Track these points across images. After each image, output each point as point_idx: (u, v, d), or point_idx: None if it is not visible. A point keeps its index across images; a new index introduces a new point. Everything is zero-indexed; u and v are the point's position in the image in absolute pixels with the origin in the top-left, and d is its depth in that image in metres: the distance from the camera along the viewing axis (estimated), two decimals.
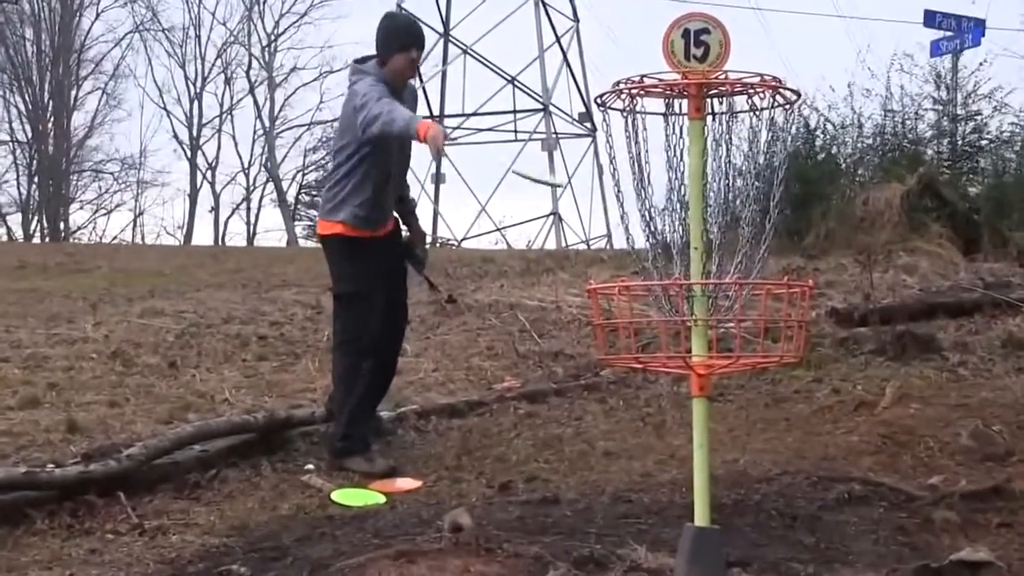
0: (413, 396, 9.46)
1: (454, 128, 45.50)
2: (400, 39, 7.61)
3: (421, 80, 44.22)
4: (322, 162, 58.14)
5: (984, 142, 19.44)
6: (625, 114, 5.12)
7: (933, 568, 5.18)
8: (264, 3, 55.62)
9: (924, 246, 14.95)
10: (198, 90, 55.38)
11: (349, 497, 6.96)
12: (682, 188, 5.02)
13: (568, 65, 45.99)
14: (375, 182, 7.54)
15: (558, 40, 45.18)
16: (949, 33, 20.59)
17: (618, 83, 5.22)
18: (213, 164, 56.30)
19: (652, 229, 5.08)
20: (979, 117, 19.38)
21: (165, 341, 11.71)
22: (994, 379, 8.45)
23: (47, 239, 47.99)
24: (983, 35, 20.74)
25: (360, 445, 7.62)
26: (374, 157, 7.49)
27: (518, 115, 44.49)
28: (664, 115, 5.10)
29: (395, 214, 7.90)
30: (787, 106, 5.03)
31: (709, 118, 5.02)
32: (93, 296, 14.87)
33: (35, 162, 52.33)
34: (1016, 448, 6.95)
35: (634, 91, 5.07)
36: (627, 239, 5.36)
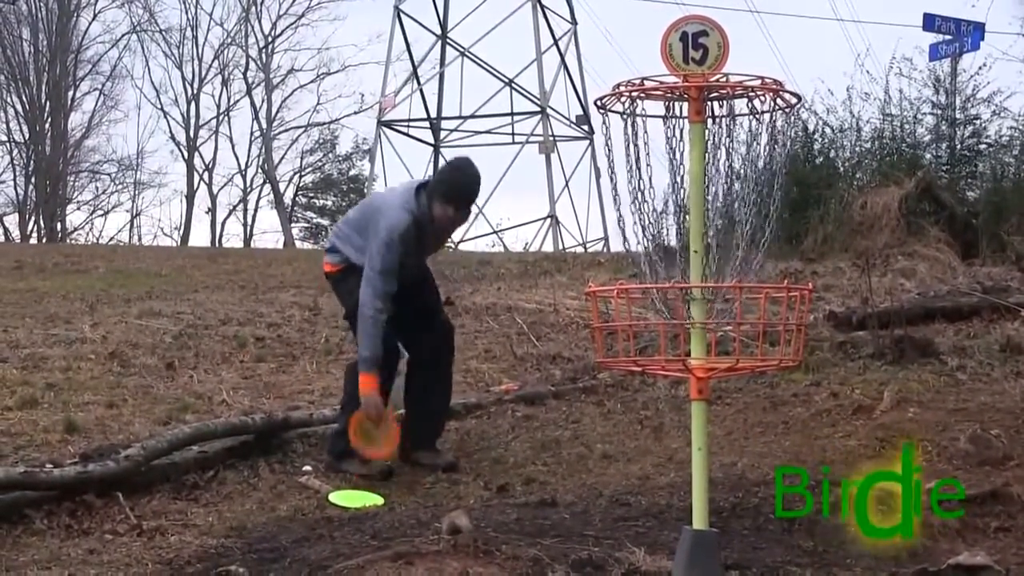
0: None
1: (451, 130, 45.51)
2: (448, 191, 7.62)
3: (419, 82, 44.28)
4: (319, 163, 58.22)
5: (983, 146, 19.43)
6: (625, 117, 5.12)
7: (931, 572, 5.18)
8: (261, 5, 55.62)
9: (922, 250, 14.94)
10: (195, 91, 55.36)
11: (347, 499, 6.97)
12: (682, 191, 5.02)
13: (566, 68, 45.98)
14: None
15: (556, 43, 45.15)
16: (948, 37, 20.60)
17: (618, 85, 5.22)
18: (210, 165, 56.29)
19: (651, 232, 5.08)
20: (978, 121, 19.37)
21: (163, 342, 11.70)
22: (992, 383, 8.44)
23: (44, 240, 47.96)
24: (982, 39, 20.75)
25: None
26: None
27: (515, 118, 44.43)
28: (664, 118, 5.10)
29: None
30: (787, 109, 5.03)
31: (708, 120, 5.03)
32: (91, 297, 14.86)
33: (32, 163, 52.28)
34: (1014, 452, 6.95)
35: (634, 94, 5.08)
36: (625, 242, 5.36)
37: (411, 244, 7.53)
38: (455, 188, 7.60)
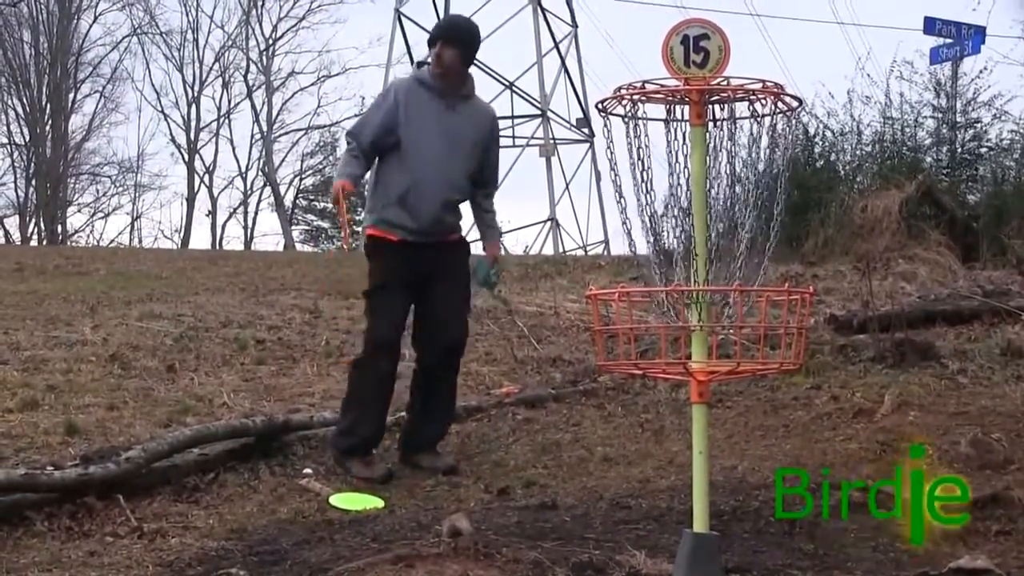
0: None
1: None
2: (433, 34, 7.77)
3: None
4: (319, 166, 58.22)
5: (983, 150, 19.44)
6: (626, 120, 5.12)
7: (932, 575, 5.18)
8: (262, 7, 55.68)
9: (923, 254, 14.95)
10: (196, 94, 55.44)
11: (347, 501, 6.96)
12: (683, 194, 5.02)
13: (566, 71, 46.01)
14: (399, 186, 7.57)
15: (556, 46, 45.21)
16: (949, 40, 20.60)
17: (619, 89, 5.22)
18: (211, 168, 56.35)
19: (653, 235, 5.08)
20: (979, 125, 19.38)
21: (163, 344, 11.71)
22: (993, 387, 8.44)
23: (45, 242, 47.97)
24: (983, 42, 20.75)
25: (360, 447, 7.62)
26: (392, 162, 7.59)
27: (516, 121, 44.45)
28: (665, 121, 5.10)
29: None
30: (788, 113, 5.03)
31: (710, 124, 5.03)
32: (91, 299, 14.86)
33: (33, 165, 52.31)
34: (1015, 456, 6.95)
35: (635, 97, 5.08)
36: (631, 244, 5.36)
37: (412, 100, 7.55)
38: (445, 26, 7.87)
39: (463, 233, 7.92)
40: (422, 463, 7.70)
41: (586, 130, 44.67)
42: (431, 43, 7.61)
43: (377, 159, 7.66)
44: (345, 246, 7.77)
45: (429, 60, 7.66)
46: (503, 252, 7.79)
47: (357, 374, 7.77)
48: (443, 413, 7.94)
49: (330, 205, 58.74)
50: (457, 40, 7.59)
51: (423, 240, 7.59)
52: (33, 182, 52.17)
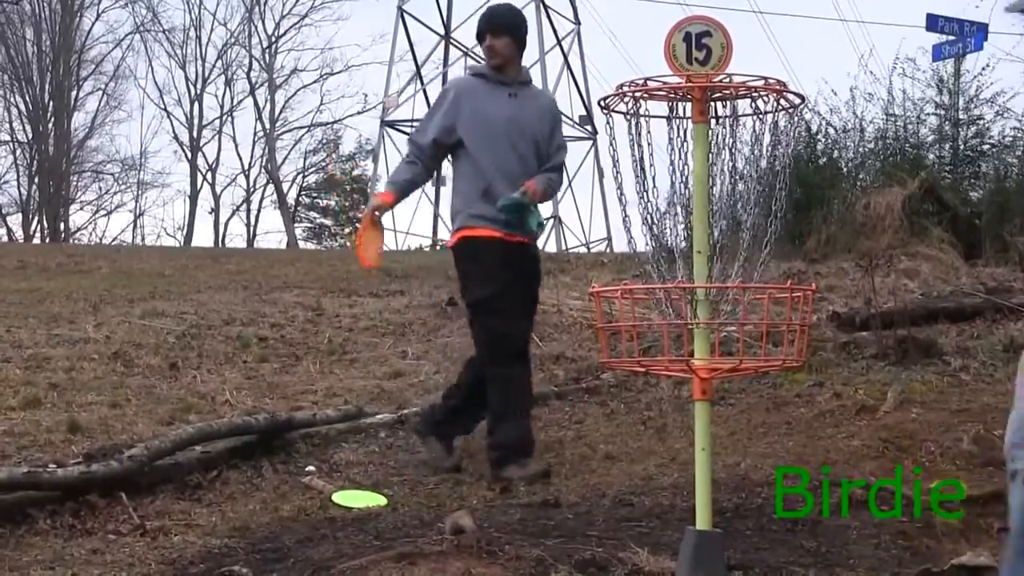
0: (414, 399, 9.47)
1: None
2: (478, 28, 7.74)
3: (422, 82, 44.21)
4: (322, 164, 58.25)
5: (986, 147, 19.40)
6: (628, 117, 5.12)
7: (934, 572, 5.18)
8: (265, 5, 55.69)
9: (925, 251, 14.94)
10: (198, 91, 55.48)
11: (350, 499, 6.96)
12: (685, 191, 5.02)
13: (569, 68, 46.02)
14: (479, 181, 7.49)
15: (559, 43, 45.23)
16: (951, 37, 20.57)
17: (621, 86, 5.22)
18: (213, 165, 56.42)
19: (655, 232, 5.09)
20: (981, 122, 19.35)
21: (166, 342, 11.71)
22: (996, 384, 8.44)
23: (47, 240, 48.00)
24: (986, 39, 20.72)
25: (514, 454, 7.42)
26: (464, 161, 7.56)
27: None
28: (668, 118, 5.10)
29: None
30: (791, 110, 5.03)
31: (712, 121, 5.03)
32: (94, 297, 14.85)
33: (35, 163, 52.36)
34: None
35: (637, 94, 5.08)
36: (631, 241, 5.35)
37: (474, 95, 7.53)
38: (488, 18, 7.69)
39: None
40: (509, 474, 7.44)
41: (589, 127, 44.67)
42: (480, 38, 7.63)
43: (452, 168, 7.65)
44: (363, 262, 7.58)
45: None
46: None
47: (499, 388, 7.52)
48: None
49: (332, 202, 58.93)
50: (503, 28, 7.59)
51: (512, 233, 7.44)
52: (36, 180, 52.22)
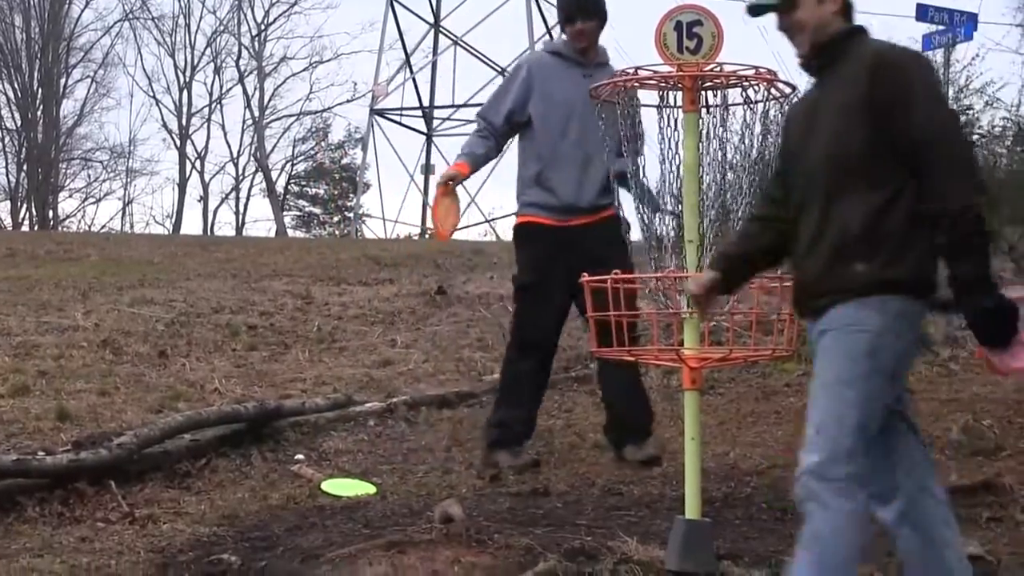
0: (403, 387, 9.47)
1: (444, 119, 45.49)
2: (560, 14, 7.51)
3: (411, 70, 44.17)
4: (311, 152, 58.14)
5: (975, 137, 19.40)
6: (619, 106, 5.12)
7: None
8: None
9: None
10: (187, 79, 55.19)
11: (339, 487, 6.96)
12: (676, 181, 5.02)
13: None
14: (538, 162, 7.28)
15: (549, 32, 45.06)
16: (941, 27, 20.58)
17: (613, 75, 5.22)
18: (202, 153, 56.13)
19: (645, 222, 5.09)
20: (971, 112, 19.31)
21: (155, 330, 11.69)
22: (984, 374, 8.44)
23: (36, 227, 47.87)
24: (975, 29, 20.74)
25: (509, 437, 7.34)
26: (527, 140, 7.39)
27: None
28: (658, 107, 5.10)
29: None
30: (781, 99, 5.03)
31: (702, 110, 5.03)
32: (83, 285, 14.82)
33: (24, 150, 52.13)
34: (1006, 443, 6.97)
35: (629, 83, 5.08)
36: (622, 231, 5.35)
37: (547, 73, 7.30)
38: (580, 2, 7.31)
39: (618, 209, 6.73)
40: (625, 455, 7.30)
41: None
42: (569, 20, 7.26)
43: (518, 147, 7.45)
44: (440, 233, 7.34)
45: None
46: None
47: (506, 369, 7.46)
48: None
49: (321, 190, 58.87)
50: (595, 12, 7.28)
51: (568, 220, 7.19)
52: (24, 167, 52.01)
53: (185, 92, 55.20)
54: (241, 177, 56.83)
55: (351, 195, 53.23)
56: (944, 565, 4.18)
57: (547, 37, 44.15)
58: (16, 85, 52.29)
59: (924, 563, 4.21)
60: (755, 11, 4.30)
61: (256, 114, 54.93)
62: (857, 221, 4.01)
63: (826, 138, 4.07)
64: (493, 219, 43.14)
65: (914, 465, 4.21)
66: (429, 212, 7.82)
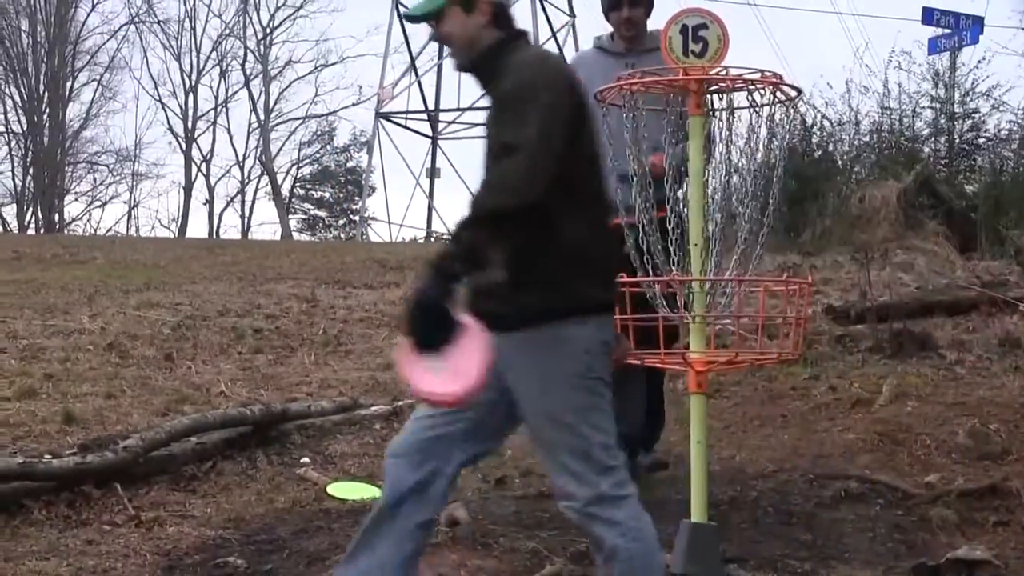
0: (408, 390, 9.44)
1: (449, 122, 45.44)
2: (605, 1, 6.91)
3: (417, 74, 44.15)
4: (316, 155, 58.17)
5: (981, 140, 19.43)
6: (624, 110, 5.12)
7: (930, 566, 5.19)
8: None
9: (921, 244, 14.94)
10: (193, 83, 55.24)
11: (345, 491, 6.96)
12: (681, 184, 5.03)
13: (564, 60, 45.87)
14: None
15: (554, 35, 45.10)
16: (947, 30, 20.58)
17: (618, 78, 5.22)
18: (208, 157, 56.16)
19: (651, 225, 5.08)
20: (977, 115, 19.38)
21: (161, 333, 11.69)
22: (991, 378, 8.44)
23: (42, 230, 47.89)
24: (981, 32, 20.73)
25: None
26: None
27: None
28: (664, 111, 5.11)
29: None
30: (787, 103, 5.03)
31: (708, 113, 5.03)
32: (89, 288, 14.82)
33: (30, 153, 52.17)
34: (1013, 447, 6.96)
35: (634, 87, 5.08)
36: (626, 235, 5.33)
37: (592, 71, 6.48)
38: None
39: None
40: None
41: None
42: (615, 7, 6.76)
43: None
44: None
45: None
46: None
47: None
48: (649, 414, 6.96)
49: (327, 194, 58.82)
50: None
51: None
52: (30, 170, 52.05)
53: (191, 95, 55.27)
54: (247, 180, 56.90)
55: (356, 198, 53.24)
56: None
57: (552, 41, 44.20)
58: (22, 89, 52.35)
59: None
60: (409, 19, 4.16)
61: (262, 117, 54.98)
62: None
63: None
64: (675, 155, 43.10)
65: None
66: None
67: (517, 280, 3.83)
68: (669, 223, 5.05)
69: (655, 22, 6.60)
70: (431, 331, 3.70)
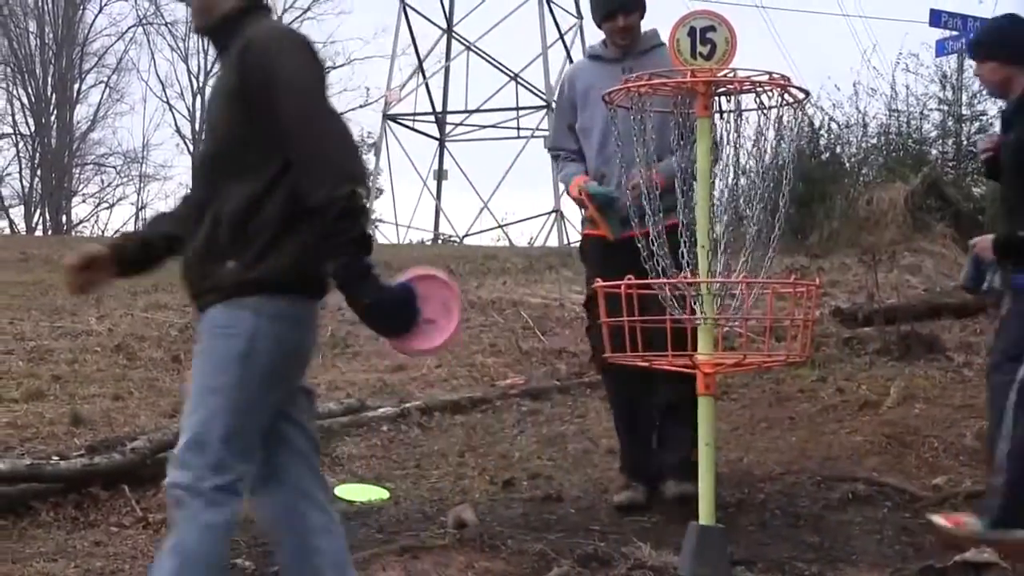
0: (416, 392, 9.46)
1: (457, 124, 45.46)
2: (598, 11, 6.76)
3: (424, 76, 44.20)
4: None
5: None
6: (632, 111, 5.13)
7: (937, 568, 5.18)
8: None
9: (928, 246, 14.93)
10: (201, 85, 55.27)
11: (353, 492, 6.96)
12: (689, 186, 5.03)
13: (571, 62, 45.93)
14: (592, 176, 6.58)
15: (561, 37, 45.11)
16: (955, 33, 20.54)
17: (626, 80, 5.23)
18: None
19: (659, 227, 5.08)
20: (984, 117, 19.31)
21: (169, 335, 11.71)
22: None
23: (49, 232, 47.95)
24: None
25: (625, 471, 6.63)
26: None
27: (521, 112, 44.38)
28: (672, 113, 5.11)
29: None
30: (795, 105, 5.03)
31: (716, 116, 5.04)
32: (96, 289, 14.85)
33: (38, 155, 52.22)
34: None
35: (641, 88, 5.08)
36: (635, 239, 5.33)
37: (589, 81, 6.63)
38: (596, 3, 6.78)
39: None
40: (665, 491, 6.41)
41: None
42: (609, 17, 6.60)
43: None
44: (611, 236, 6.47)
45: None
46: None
47: (609, 401, 6.96)
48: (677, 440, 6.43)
49: None
50: (635, 4, 6.67)
51: (623, 232, 6.25)
52: (38, 172, 52.10)
53: (198, 97, 55.26)
54: None
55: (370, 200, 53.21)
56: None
57: (560, 43, 44.24)
58: (30, 90, 52.39)
59: (299, 571, 4.01)
60: None
61: None
62: (229, 215, 3.80)
63: (210, 125, 3.96)
64: (506, 225, 43.15)
65: (298, 473, 4.03)
66: (597, 225, 7.00)
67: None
68: (680, 229, 5.03)
69: (655, 22, 6.59)
70: (400, 321, 3.85)
